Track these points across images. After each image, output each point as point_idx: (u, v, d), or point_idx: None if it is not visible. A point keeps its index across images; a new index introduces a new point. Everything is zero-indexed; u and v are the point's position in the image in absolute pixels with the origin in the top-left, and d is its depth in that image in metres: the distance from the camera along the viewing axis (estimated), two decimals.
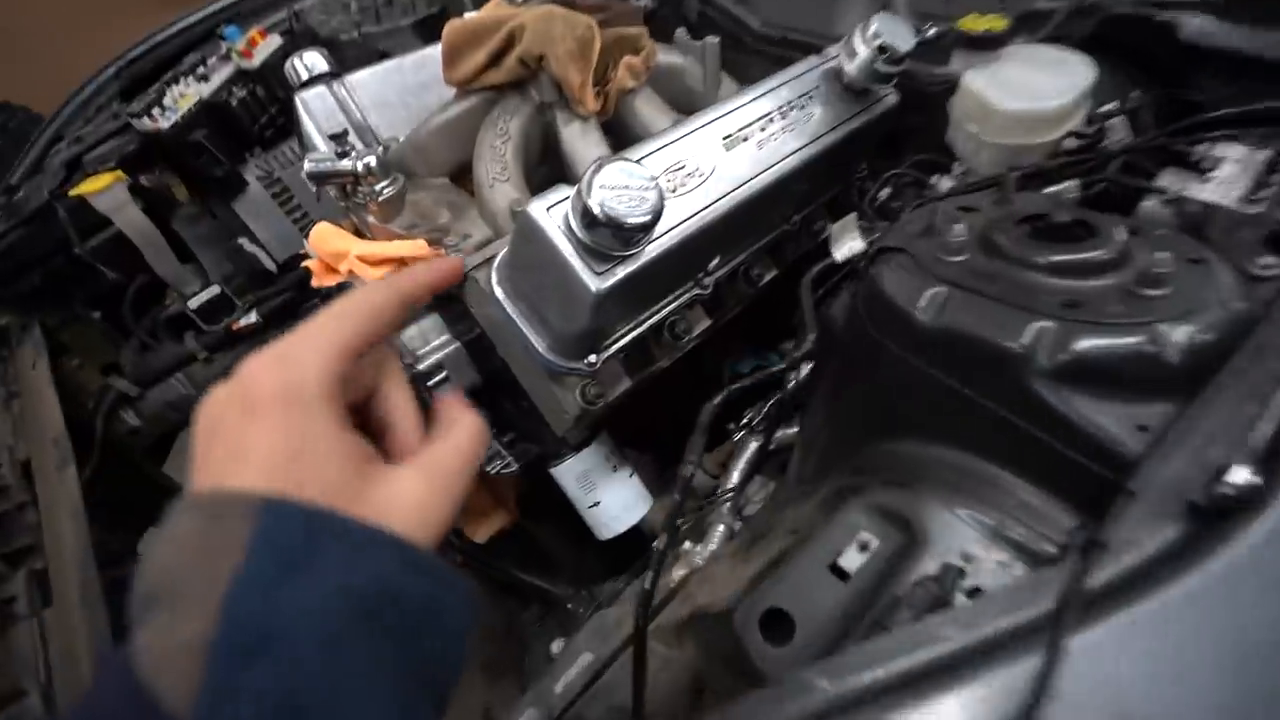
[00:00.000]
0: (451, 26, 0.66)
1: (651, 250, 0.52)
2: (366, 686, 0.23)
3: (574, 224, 0.49)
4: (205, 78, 0.94)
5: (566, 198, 0.49)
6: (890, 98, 0.69)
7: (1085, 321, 0.36)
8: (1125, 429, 0.34)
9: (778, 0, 0.92)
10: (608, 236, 0.48)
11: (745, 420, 0.70)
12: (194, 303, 0.98)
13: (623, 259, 0.51)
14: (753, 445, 0.67)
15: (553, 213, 0.50)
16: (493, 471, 0.73)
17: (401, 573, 0.25)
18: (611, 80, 0.69)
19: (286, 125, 1.01)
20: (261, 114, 0.97)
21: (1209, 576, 0.26)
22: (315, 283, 0.76)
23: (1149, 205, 0.50)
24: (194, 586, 0.22)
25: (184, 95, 0.92)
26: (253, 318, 1.02)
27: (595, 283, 0.50)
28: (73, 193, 0.87)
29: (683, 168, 0.56)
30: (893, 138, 0.76)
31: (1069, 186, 0.52)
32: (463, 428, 0.31)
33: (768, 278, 0.73)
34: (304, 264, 0.76)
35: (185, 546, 0.23)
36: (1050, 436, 0.35)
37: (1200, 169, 0.50)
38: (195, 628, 0.21)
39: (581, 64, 0.65)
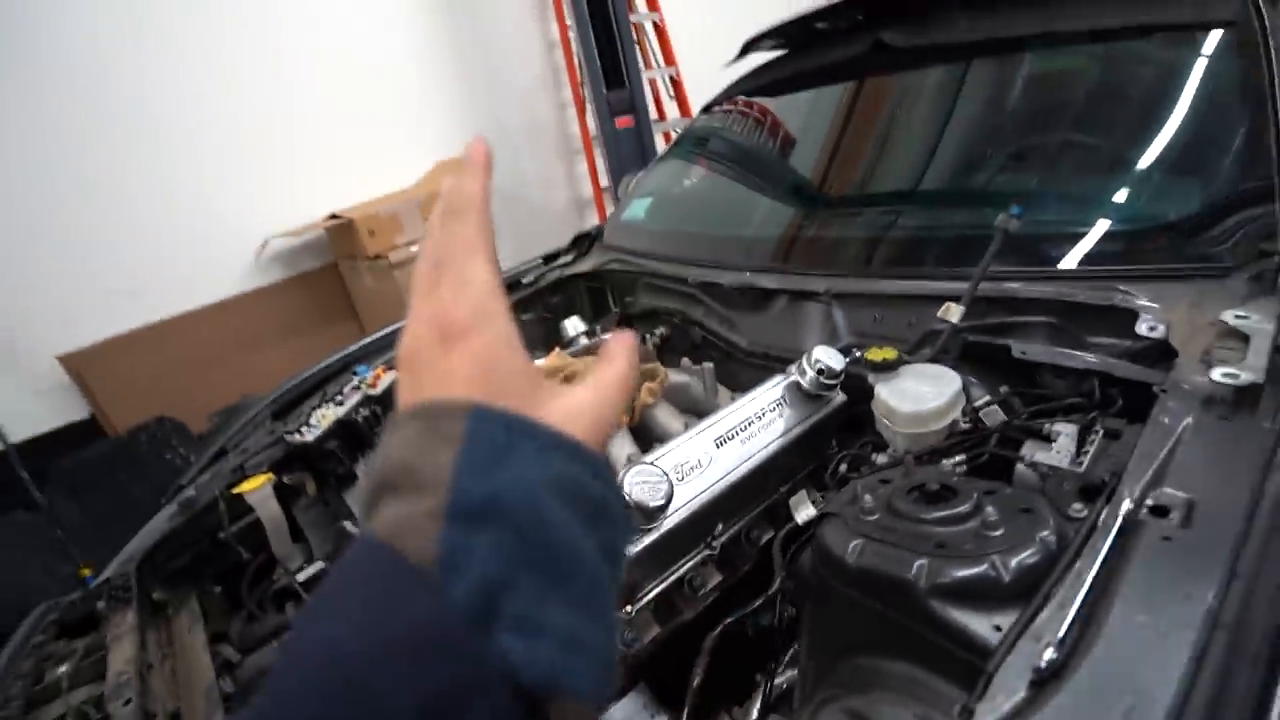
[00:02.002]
0: (542, 364, 0.98)
1: (667, 524, 0.74)
2: (574, 541, 0.27)
3: None
4: (340, 402, 1.29)
5: None
6: (839, 398, 0.95)
7: (948, 557, 0.55)
8: (986, 628, 0.51)
9: (758, 327, 1.26)
10: (636, 516, 0.70)
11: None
12: (302, 576, 1.19)
13: (647, 531, 0.72)
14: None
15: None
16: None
17: (581, 469, 0.29)
18: (636, 400, 0.99)
19: None
20: (377, 426, 1.30)
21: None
22: None
23: (1020, 468, 0.72)
24: (424, 473, 0.27)
25: (325, 415, 1.26)
26: None
27: (630, 548, 0.71)
28: (235, 490, 1.15)
29: (686, 462, 0.80)
30: (857, 420, 1.02)
31: (959, 460, 0.74)
32: (618, 350, 0.36)
33: (765, 538, 0.92)
34: None
35: (411, 444, 0.28)
36: (940, 638, 0.52)
37: (1049, 440, 0.72)
38: (431, 502, 0.26)
39: None
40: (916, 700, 0.52)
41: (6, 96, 2.22)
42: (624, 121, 2.90)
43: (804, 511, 0.78)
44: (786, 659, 0.81)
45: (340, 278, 2.82)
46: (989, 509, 0.57)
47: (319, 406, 1.31)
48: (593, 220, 3.75)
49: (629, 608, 0.76)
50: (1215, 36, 1.04)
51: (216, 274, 2.62)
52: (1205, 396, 0.67)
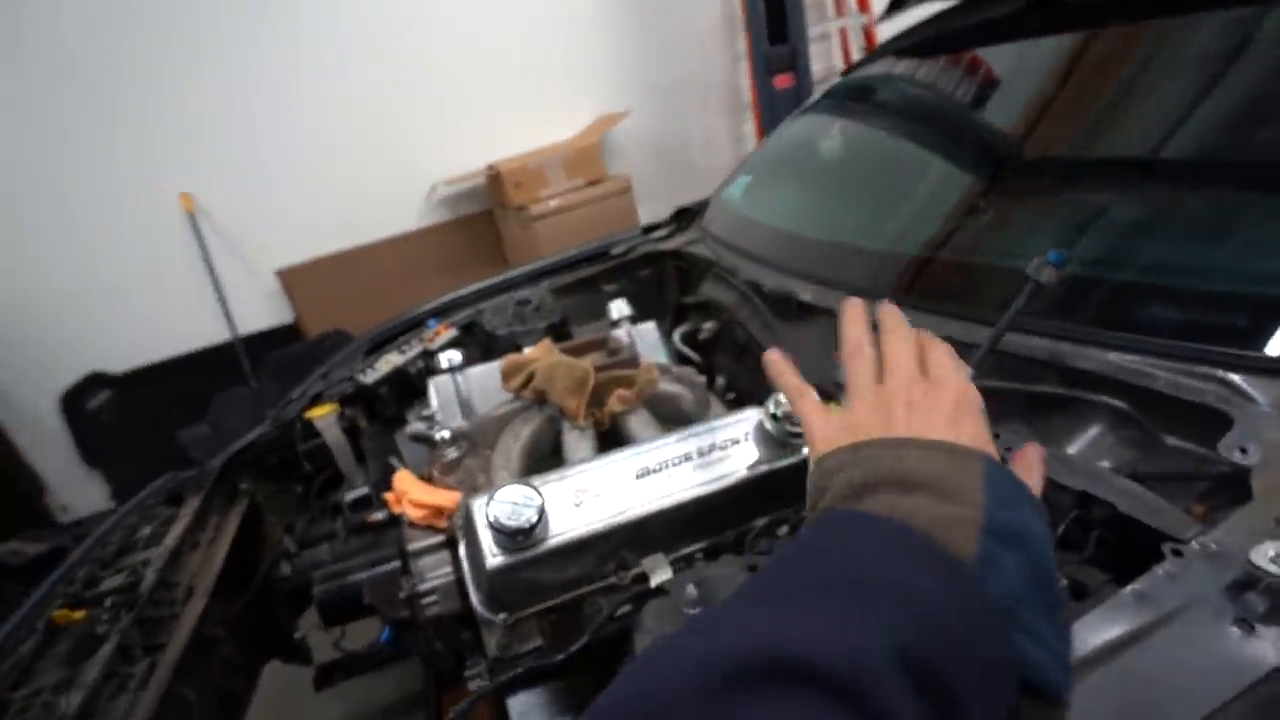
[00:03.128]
0: (505, 359, 1.00)
1: (543, 548, 0.72)
2: (1057, 578, 0.36)
3: (489, 519, 0.72)
4: (403, 352, 1.43)
5: (482, 502, 0.73)
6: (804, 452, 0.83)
7: None
8: None
9: (792, 339, 1.13)
10: (498, 534, 0.70)
11: None
12: (349, 496, 1.38)
13: (519, 549, 0.72)
14: None
15: (481, 506, 0.74)
16: (471, 685, 0.90)
17: (1048, 538, 0.37)
18: (605, 405, 0.96)
19: None
20: (426, 377, 1.43)
21: None
22: (391, 507, 1.07)
23: None
24: (958, 488, 0.34)
25: (388, 361, 1.41)
26: (382, 515, 1.39)
27: (492, 561, 0.71)
28: (305, 414, 1.36)
29: (588, 490, 0.76)
30: None
31: None
32: (1031, 460, 0.44)
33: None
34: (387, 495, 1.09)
35: (938, 463, 0.36)
36: None
37: None
38: (969, 512, 0.33)
39: (576, 395, 0.93)
40: None
41: (254, 49, 2.71)
42: (783, 81, 2.67)
43: (659, 575, 0.71)
44: None
45: (494, 224, 3.07)
46: None
47: (389, 352, 1.47)
48: None
49: (504, 615, 0.77)
50: None
51: (395, 212, 3.00)
52: (1233, 580, 0.47)
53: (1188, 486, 0.63)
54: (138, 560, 1.06)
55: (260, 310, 3.00)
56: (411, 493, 0.99)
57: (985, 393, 0.74)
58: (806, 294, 1.09)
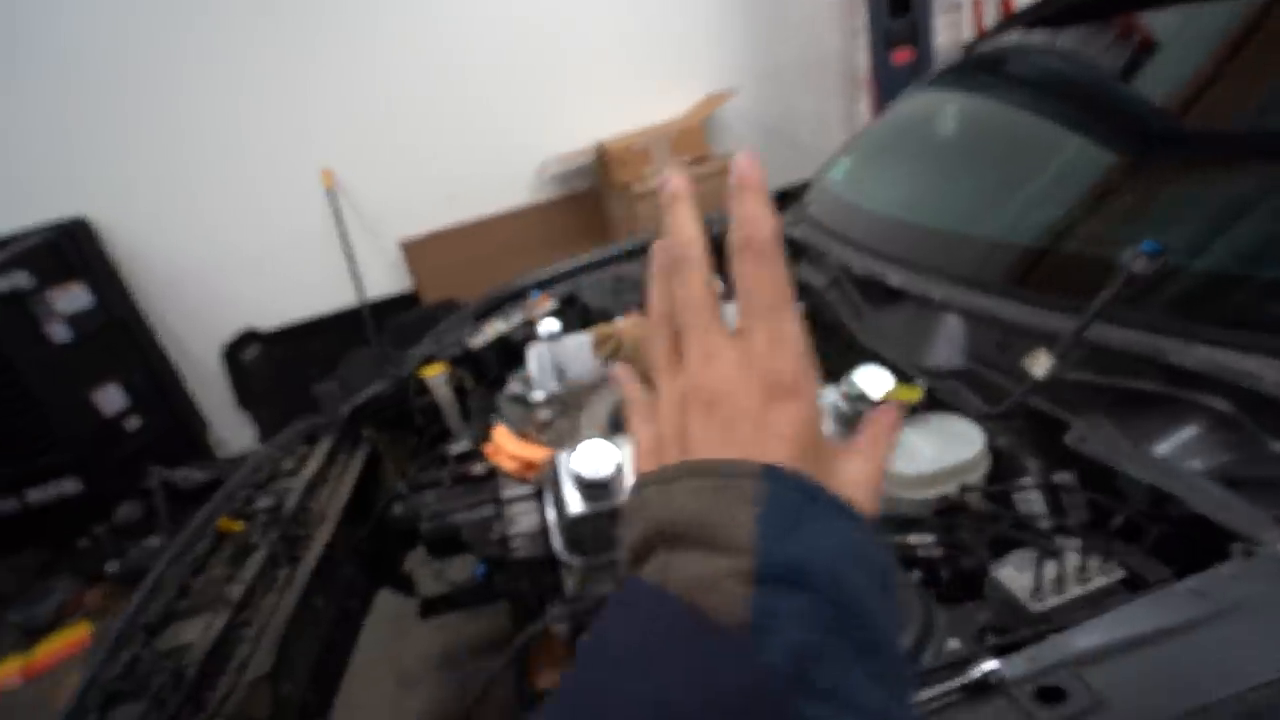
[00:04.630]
0: (596, 329, 1.07)
1: (613, 501, 0.78)
2: (875, 612, 0.26)
3: (573, 472, 0.80)
4: (508, 319, 1.55)
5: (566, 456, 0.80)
6: None
7: None
8: None
9: (879, 323, 1.12)
10: (580, 485, 0.77)
11: None
12: (454, 449, 1.52)
13: (598, 499, 0.79)
14: None
15: (566, 459, 0.81)
16: (549, 623, 1.00)
17: (867, 539, 0.28)
18: None
19: None
20: (527, 342, 1.54)
21: None
22: (488, 458, 1.18)
23: (990, 579, 0.59)
24: (724, 531, 0.26)
25: (494, 328, 1.54)
26: (482, 468, 1.52)
27: (574, 509, 0.79)
28: (418, 373, 1.51)
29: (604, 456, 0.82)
30: None
31: (927, 539, 0.63)
32: (881, 422, 0.35)
33: None
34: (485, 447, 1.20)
35: (703, 498, 0.28)
36: None
37: (1054, 556, 0.57)
38: (735, 563, 0.25)
39: None
40: None
41: (383, 31, 2.95)
42: (902, 55, 2.54)
43: None
44: None
45: (600, 202, 3.16)
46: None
47: (495, 319, 1.59)
48: None
49: (580, 559, 0.84)
50: None
51: (508, 188, 3.17)
52: None
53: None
54: (282, 487, 1.24)
55: (385, 279, 3.29)
56: (507, 447, 1.09)
57: (1074, 387, 0.72)
58: (896, 278, 1.07)
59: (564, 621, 0.96)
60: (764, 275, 0.32)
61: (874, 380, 0.81)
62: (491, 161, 3.09)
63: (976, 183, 1.21)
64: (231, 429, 3.59)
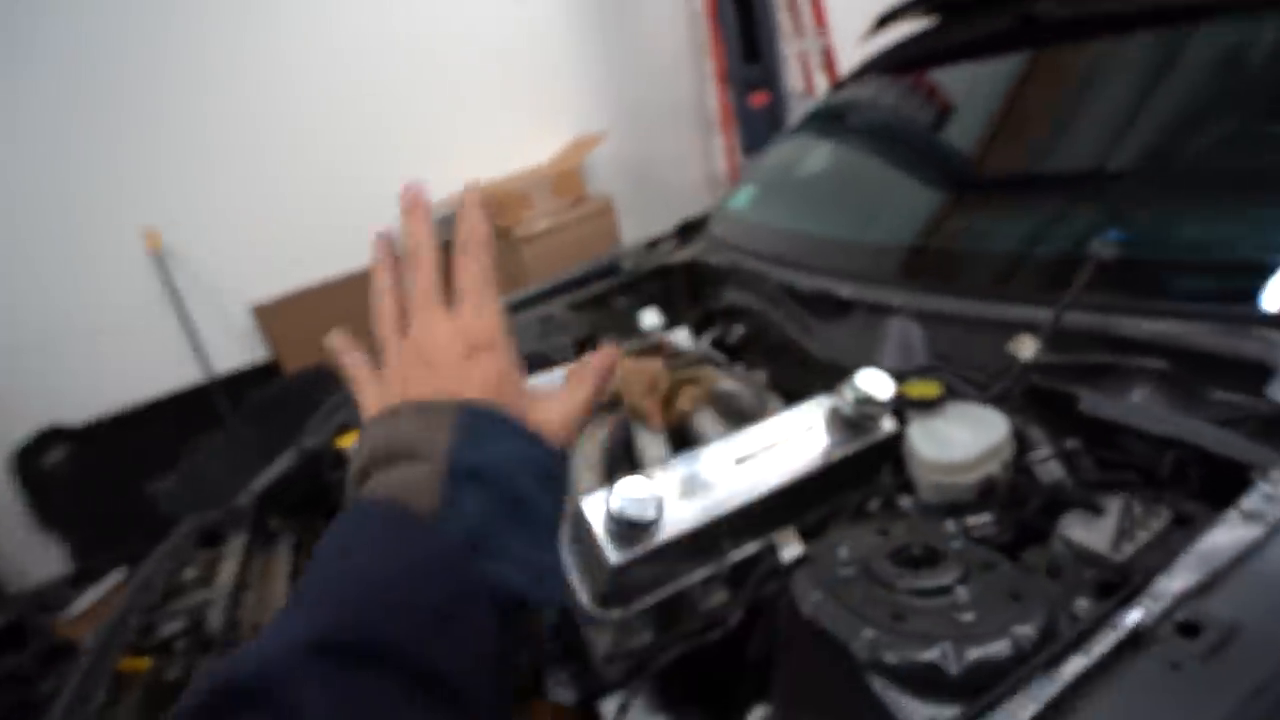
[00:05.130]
0: (570, 367, 1.02)
1: (660, 540, 0.74)
2: (533, 498, 0.38)
3: (609, 516, 0.73)
4: None
5: (603, 497, 0.74)
6: (888, 426, 0.88)
7: (900, 633, 0.50)
8: (919, 718, 0.46)
9: (832, 336, 1.19)
10: (624, 528, 0.71)
11: None
12: None
13: (637, 544, 0.73)
14: None
15: (594, 505, 0.75)
16: (551, 696, 0.90)
17: (541, 452, 0.40)
18: (675, 406, 0.98)
19: None
20: None
21: None
22: None
23: (1056, 544, 0.63)
24: (425, 448, 0.36)
25: None
26: None
27: (614, 558, 0.72)
28: (336, 443, 1.33)
29: (696, 478, 0.79)
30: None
31: (985, 520, 0.66)
32: (594, 371, 0.48)
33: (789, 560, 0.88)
34: None
35: (413, 427, 0.38)
36: (870, 716, 0.48)
37: (1096, 511, 0.62)
38: (431, 467, 0.36)
39: (650, 397, 0.95)
40: None
41: (221, 76, 2.65)
42: (759, 99, 2.79)
43: (789, 550, 0.75)
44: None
45: None
46: (961, 589, 0.51)
47: None
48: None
49: (617, 612, 0.78)
50: None
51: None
52: None
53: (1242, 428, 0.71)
54: (191, 604, 1.01)
55: (233, 349, 2.89)
56: None
57: (1047, 370, 0.80)
58: (845, 290, 1.15)
59: (570, 689, 0.88)
60: (474, 266, 0.45)
61: (875, 382, 0.84)
62: (357, 212, 2.85)
63: (892, 196, 1.34)
64: (27, 555, 2.90)
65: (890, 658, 0.49)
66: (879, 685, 0.49)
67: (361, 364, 0.48)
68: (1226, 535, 0.52)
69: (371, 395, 0.45)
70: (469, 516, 0.35)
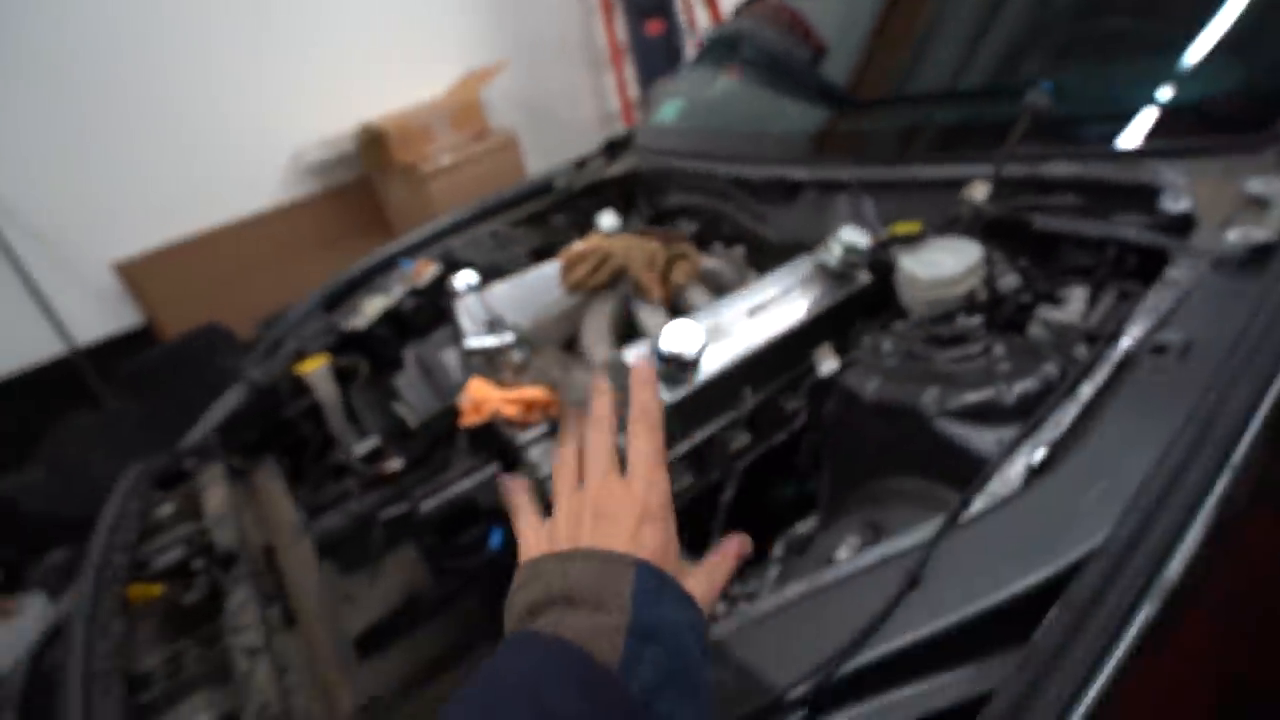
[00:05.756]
0: (566, 251, 1.04)
1: (700, 379, 0.80)
2: (700, 664, 0.40)
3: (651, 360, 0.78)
4: (388, 293, 1.36)
5: (640, 348, 0.79)
6: (864, 278, 0.99)
7: (957, 385, 0.61)
8: (988, 443, 0.57)
9: (786, 219, 1.29)
10: (672, 368, 0.77)
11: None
12: (360, 449, 1.30)
13: (681, 383, 0.79)
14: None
15: (635, 354, 0.80)
16: None
17: (697, 618, 0.42)
18: (670, 279, 1.04)
19: (436, 322, 1.41)
20: (420, 316, 1.38)
21: (1020, 506, 0.48)
22: (464, 421, 1.06)
23: (1033, 327, 0.76)
24: (608, 598, 0.38)
25: (374, 305, 1.34)
26: (398, 464, 1.33)
27: (667, 397, 0.78)
28: (295, 370, 1.25)
29: (719, 328, 0.86)
30: (883, 302, 1.06)
31: (975, 320, 0.79)
32: (723, 554, 0.50)
33: (794, 407, 0.99)
34: (460, 407, 1.07)
35: (594, 574, 0.40)
36: (947, 454, 0.59)
37: (1058, 302, 0.76)
38: (616, 621, 0.37)
39: (650, 271, 1.00)
40: (925, 508, 0.59)
41: (55, 12, 2.24)
42: (655, 27, 2.81)
43: (827, 365, 0.84)
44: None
45: (372, 190, 2.86)
46: (997, 347, 0.63)
47: (366, 298, 1.39)
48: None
49: (667, 454, 0.84)
50: None
51: (257, 185, 2.67)
52: (1217, 257, 0.70)
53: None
54: (185, 533, 0.94)
55: (97, 314, 2.52)
56: (496, 395, 1.00)
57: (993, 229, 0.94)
58: (798, 174, 1.24)
59: None
60: (646, 444, 0.49)
61: (855, 234, 0.95)
62: (231, 156, 2.56)
63: (836, 78, 1.43)
64: None
65: (954, 404, 0.59)
66: (947, 426, 0.59)
67: (529, 500, 0.52)
68: (1163, 293, 0.67)
69: (534, 531, 0.48)
70: (646, 673, 0.36)
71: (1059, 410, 0.55)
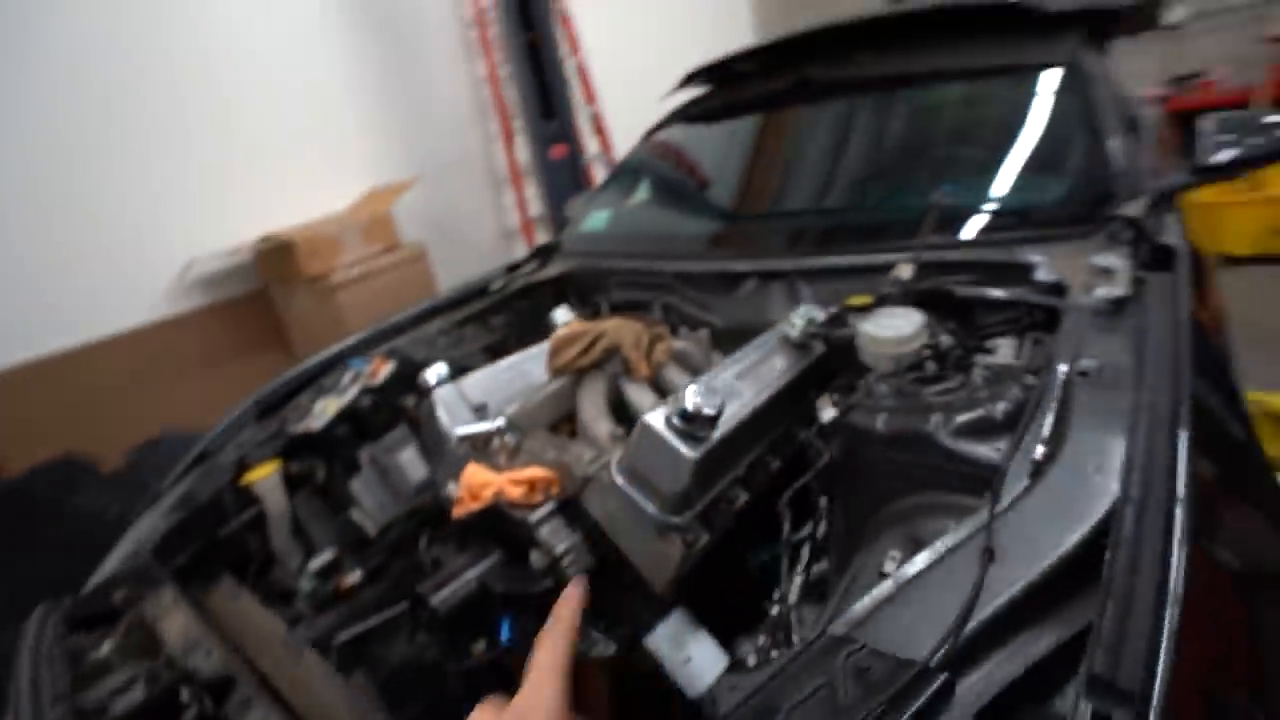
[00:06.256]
0: (556, 335, 1.10)
1: (716, 436, 0.88)
2: None
3: (674, 421, 0.85)
4: (342, 393, 1.32)
5: (662, 411, 0.86)
6: (819, 348, 1.15)
7: (954, 410, 0.74)
8: (990, 452, 0.70)
9: (730, 308, 1.45)
10: (698, 424, 0.84)
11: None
12: (314, 565, 1.19)
13: (702, 440, 0.86)
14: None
15: (655, 419, 0.86)
16: (593, 653, 0.94)
17: None
18: (652, 358, 1.13)
19: (392, 423, 1.37)
20: (378, 415, 1.34)
21: (1035, 496, 0.60)
22: (457, 511, 1.04)
23: (976, 371, 0.93)
24: None
25: (327, 406, 1.29)
26: (356, 577, 1.23)
27: (692, 454, 0.84)
28: (242, 481, 1.15)
29: (718, 390, 0.95)
30: (831, 370, 1.21)
31: (930, 366, 0.95)
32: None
33: (775, 466, 1.08)
34: (453, 498, 1.05)
35: None
36: (957, 466, 0.70)
37: (990, 351, 0.95)
38: None
39: (639, 351, 1.09)
40: (950, 516, 0.70)
41: None
42: (559, 151, 3.08)
43: (827, 413, 0.96)
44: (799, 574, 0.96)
45: (269, 303, 2.73)
46: (974, 379, 0.77)
47: (317, 399, 1.33)
48: (520, 249, 3.85)
49: (688, 513, 0.88)
50: (1056, 75, 1.39)
51: (132, 299, 2.45)
52: (1093, 309, 0.92)
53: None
54: (146, 670, 0.82)
55: None
56: (497, 478, 1.00)
57: (919, 299, 1.15)
58: (740, 266, 1.42)
59: (609, 642, 0.95)
60: (547, 654, 0.53)
61: (812, 309, 1.11)
62: (108, 270, 2.34)
63: (742, 191, 1.67)
64: None
65: (956, 424, 0.72)
66: (955, 444, 0.71)
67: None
68: (1068, 336, 0.87)
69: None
70: None
71: (1038, 419, 0.70)
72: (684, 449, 0.84)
